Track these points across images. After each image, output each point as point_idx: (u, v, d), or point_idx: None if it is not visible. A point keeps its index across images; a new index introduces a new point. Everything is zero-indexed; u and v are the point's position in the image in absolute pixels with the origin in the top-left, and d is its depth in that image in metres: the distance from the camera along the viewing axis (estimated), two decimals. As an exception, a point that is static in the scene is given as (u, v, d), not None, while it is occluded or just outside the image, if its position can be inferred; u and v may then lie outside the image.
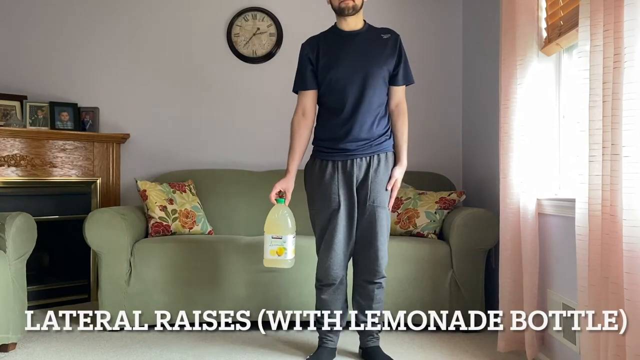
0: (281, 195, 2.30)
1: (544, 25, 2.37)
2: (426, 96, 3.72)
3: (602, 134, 1.63)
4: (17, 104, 3.45)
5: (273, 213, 2.25)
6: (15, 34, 3.61)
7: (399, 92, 2.36)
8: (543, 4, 2.36)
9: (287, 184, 2.32)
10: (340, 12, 2.27)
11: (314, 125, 2.37)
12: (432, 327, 2.80)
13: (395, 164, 2.35)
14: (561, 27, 2.22)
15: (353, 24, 2.30)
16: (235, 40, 3.73)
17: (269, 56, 3.72)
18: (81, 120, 3.55)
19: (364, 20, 2.34)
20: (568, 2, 2.15)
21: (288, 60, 3.57)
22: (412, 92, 3.60)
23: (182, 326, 2.87)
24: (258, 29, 3.73)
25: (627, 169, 1.50)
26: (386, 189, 2.29)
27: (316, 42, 2.34)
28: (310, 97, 2.34)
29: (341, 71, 2.25)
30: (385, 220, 2.30)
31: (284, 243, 2.20)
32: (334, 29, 2.34)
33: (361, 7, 2.28)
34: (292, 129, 2.36)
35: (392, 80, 2.33)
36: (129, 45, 3.71)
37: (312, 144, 2.39)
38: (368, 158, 2.28)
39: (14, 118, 3.34)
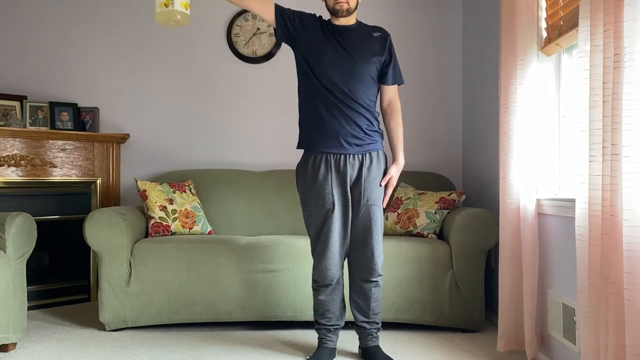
0: None
1: (544, 25, 2.37)
2: (426, 96, 3.72)
3: (602, 134, 1.63)
4: (17, 104, 3.45)
5: None
6: (15, 34, 3.62)
7: (390, 91, 2.38)
8: (543, 4, 2.36)
9: None
10: (334, 13, 2.29)
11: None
12: (432, 327, 2.81)
13: (387, 162, 2.37)
14: (561, 27, 2.22)
15: (344, 21, 2.32)
16: (235, 40, 3.73)
17: (269, 56, 3.73)
18: (81, 120, 3.55)
19: (356, 19, 2.36)
20: (568, 2, 2.15)
21: (288, 60, 3.58)
22: (413, 92, 3.63)
23: (182, 326, 2.88)
24: (258, 29, 3.73)
25: (627, 169, 1.50)
26: (380, 185, 2.31)
27: (315, 22, 2.33)
28: (270, 15, 2.28)
29: (326, 65, 2.24)
30: (379, 219, 2.31)
31: None
32: (328, 22, 2.35)
33: (355, 9, 2.30)
34: None
35: (383, 80, 2.35)
36: (129, 45, 3.71)
37: (300, 136, 2.37)
38: (360, 157, 2.28)
39: (14, 118, 3.34)
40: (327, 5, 2.30)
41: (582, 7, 1.73)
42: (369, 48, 2.29)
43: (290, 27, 2.31)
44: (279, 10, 2.30)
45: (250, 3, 2.27)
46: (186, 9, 2.14)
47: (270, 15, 2.29)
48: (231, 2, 2.27)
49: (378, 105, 2.39)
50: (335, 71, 2.24)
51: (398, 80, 2.38)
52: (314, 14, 2.38)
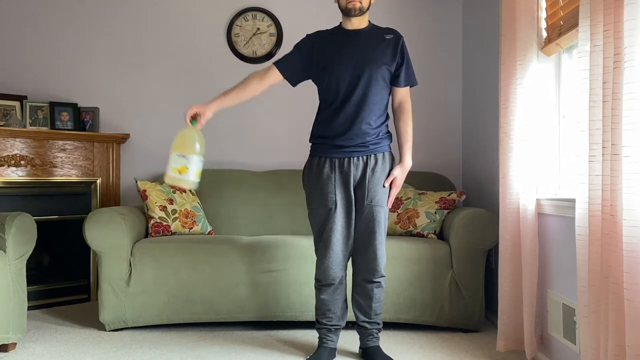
0: (195, 117, 2.27)
1: (544, 25, 2.37)
2: (426, 97, 3.72)
3: (602, 134, 1.63)
4: (17, 104, 3.45)
5: (182, 132, 2.23)
6: (15, 34, 3.62)
7: (402, 92, 2.38)
8: (543, 4, 2.36)
9: (205, 109, 2.30)
10: (346, 13, 2.29)
11: (260, 89, 2.37)
12: (432, 327, 2.81)
13: (394, 163, 2.37)
14: (561, 27, 2.22)
15: (357, 23, 2.32)
16: (235, 40, 3.73)
17: (269, 56, 3.73)
18: (81, 120, 3.55)
19: (369, 21, 2.36)
20: (568, 2, 2.15)
21: (288, 60, 3.58)
22: (413, 92, 3.60)
23: (182, 326, 2.88)
24: (258, 29, 3.73)
25: (627, 169, 1.50)
26: (384, 186, 2.30)
27: (319, 37, 2.37)
28: (277, 76, 2.36)
29: (340, 69, 2.27)
30: (383, 220, 2.31)
31: (187, 162, 2.16)
32: (338, 27, 2.37)
33: (368, 9, 2.30)
34: (246, 78, 2.38)
35: (394, 81, 2.35)
36: (129, 45, 3.71)
37: (310, 141, 2.40)
38: (365, 158, 2.29)
39: (14, 118, 3.34)
40: (339, 5, 2.30)
41: (582, 7, 1.73)
42: (381, 51, 2.29)
43: (300, 70, 2.36)
44: (282, 68, 2.35)
45: (267, 83, 2.36)
46: (197, 177, 2.20)
47: (279, 77, 2.36)
48: (249, 96, 2.35)
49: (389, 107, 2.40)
50: (347, 75, 2.26)
51: (411, 82, 2.38)
52: (315, 33, 2.40)
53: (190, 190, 3.30)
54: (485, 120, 3.24)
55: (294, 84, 2.41)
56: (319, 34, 2.39)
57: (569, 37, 2.17)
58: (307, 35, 2.40)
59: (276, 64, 2.37)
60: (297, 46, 2.39)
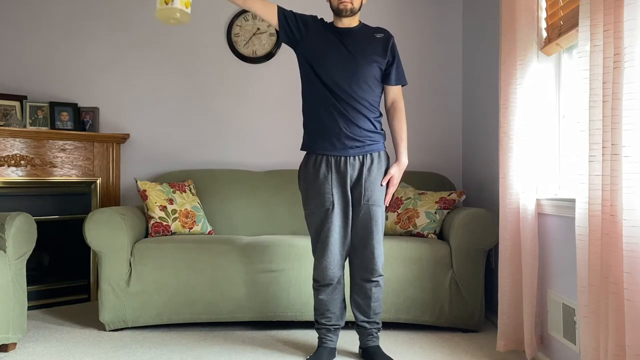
0: None
1: (543, 25, 2.37)
2: (426, 96, 3.72)
3: (602, 134, 1.63)
4: (17, 104, 3.45)
5: None
6: (15, 33, 3.62)
7: (394, 91, 2.39)
8: (543, 4, 2.36)
9: None
10: (337, 13, 2.30)
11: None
12: (432, 327, 2.81)
13: (390, 162, 2.37)
14: (561, 27, 2.22)
15: (348, 22, 2.33)
16: (235, 40, 3.73)
17: (269, 56, 3.73)
18: (81, 120, 3.56)
19: (359, 20, 2.37)
20: (568, 2, 2.15)
21: (288, 60, 3.58)
22: (413, 92, 3.63)
23: (182, 326, 2.88)
24: (258, 29, 3.73)
25: (627, 169, 1.50)
26: (381, 184, 2.31)
27: (321, 24, 2.36)
28: (271, 14, 2.29)
29: (330, 67, 2.26)
30: (380, 219, 2.31)
31: None
32: (331, 24, 2.37)
33: (359, 9, 2.31)
34: None
35: (386, 80, 2.36)
36: (129, 45, 3.71)
37: (303, 139, 2.39)
38: (361, 157, 2.29)
39: (14, 118, 3.34)
40: (331, 5, 2.31)
41: (582, 7, 1.73)
42: (372, 49, 2.30)
43: (294, 28, 2.32)
44: (282, 12, 2.32)
45: (253, 4, 2.29)
46: (187, 8, 2.13)
47: (273, 18, 2.31)
48: (234, 2, 2.28)
49: (382, 106, 2.39)
50: (338, 73, 2.26)
51: (401, 81, 2.39)
52: (315, 16, 2.39)
53: (191, 190, 3.30)
54: (485, 120, 3.24)
55: (281, 37, 2.36)
56: (321, 21, 2.38)
57: (569, 37, 2.17)
58: (315, 16, 2.38)
59: (279, 7, 2.33)
60: (301, 15, 2.36)
